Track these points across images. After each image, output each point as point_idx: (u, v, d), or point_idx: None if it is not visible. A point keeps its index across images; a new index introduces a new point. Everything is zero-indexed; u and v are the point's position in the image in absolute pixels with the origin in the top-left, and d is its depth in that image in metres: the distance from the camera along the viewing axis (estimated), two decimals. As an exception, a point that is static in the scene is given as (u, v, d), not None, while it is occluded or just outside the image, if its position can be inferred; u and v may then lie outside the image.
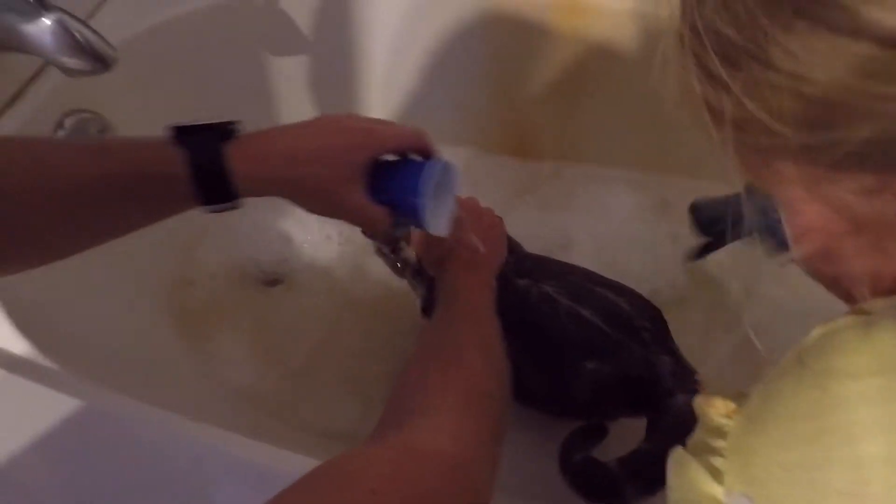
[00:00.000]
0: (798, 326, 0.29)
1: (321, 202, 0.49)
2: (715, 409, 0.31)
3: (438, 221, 0.51)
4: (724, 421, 0.30)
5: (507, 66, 0.89)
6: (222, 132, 0.47)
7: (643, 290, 0.66)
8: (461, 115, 0.95)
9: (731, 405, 0.30)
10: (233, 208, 0.47)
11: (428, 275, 0.65)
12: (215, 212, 0.46)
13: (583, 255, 0.84)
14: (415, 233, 0.64)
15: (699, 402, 0.32)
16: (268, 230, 0.88)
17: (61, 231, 0.43)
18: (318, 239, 0.88)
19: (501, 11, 0.84)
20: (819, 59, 0.24)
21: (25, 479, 0.47)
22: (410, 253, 0.66)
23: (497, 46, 0.87)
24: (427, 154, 0.52)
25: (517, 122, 0.94)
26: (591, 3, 0.81)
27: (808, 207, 0.29)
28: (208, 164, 0.44)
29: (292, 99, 0.93)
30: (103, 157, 0.43)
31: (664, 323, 0.63)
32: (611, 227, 0.87)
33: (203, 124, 0.47)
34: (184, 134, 0.46)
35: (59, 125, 0.71)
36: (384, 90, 0.94)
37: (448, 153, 0.93)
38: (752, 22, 0.26)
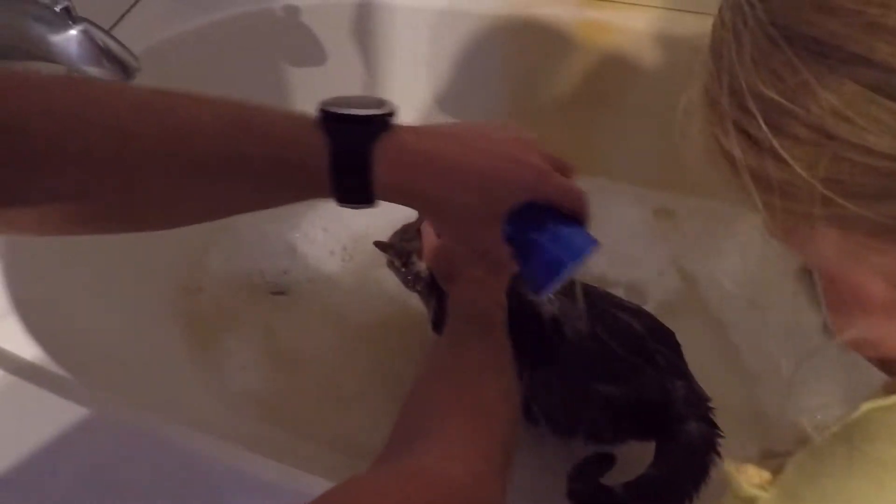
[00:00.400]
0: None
1: (459, 230, 0.46)
2: (747, 478, 0.29)
3: (553, 286, 0.47)
4: (756, 492, 0.29)
5: (525, 80, 0.89)
6: (376, 124, 0.43)
7: (648, 306, 0.66)
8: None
9: (766, 475, 0.29)
10: (367, 207, 0.44)
11: (439, 288, 0.65)
12: (348, 207, 0.44)
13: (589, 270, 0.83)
14: (426, 246, 0.64)
15: (729, 468, 0.30)
16: (274, 241, 0.88)
17: (188, 201, 0.41)
18: (321, 253, 0.88)
19: (522, 25, 0.84)
20: (876, 126, 0.23)
21: (32, 484, 0.47)
22: (422, 266, 0.66)
23: (516, 60, 0.87)
24: (581, 219, 0.48)
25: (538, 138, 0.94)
26: (615, 21, 0.81)
27: (852, 278, 0.27)
28: (352, 164, 0.41)
29: (302, 107, 0.93)
30: (243, 134, 0.40)
31: (678, 346, 0.63)
32: (617, 241, 0.87)
33: (355, 112, 0.43)
34: (333, 121, 0.42)
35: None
36: (403, 102, 0.94)
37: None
38: (795, 79, 0.25)
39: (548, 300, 0.63)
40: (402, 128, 0.44)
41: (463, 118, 0.94)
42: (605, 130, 0.89)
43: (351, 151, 0.41)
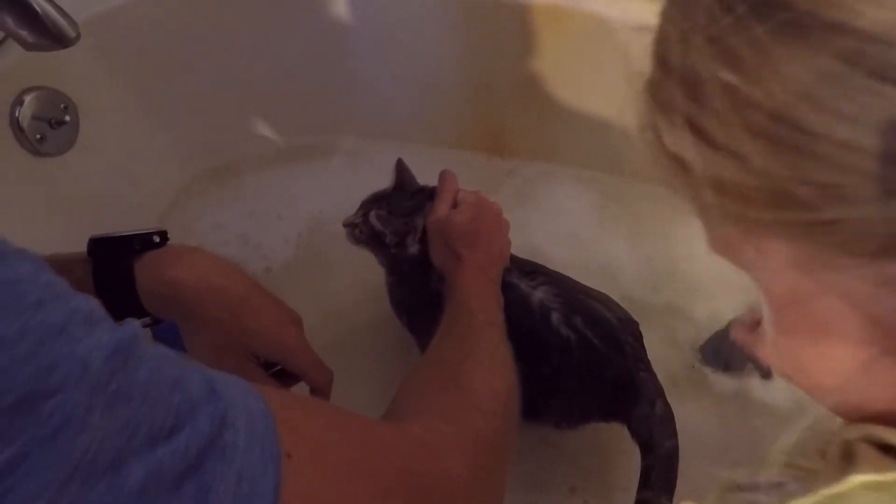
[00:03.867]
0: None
1: (210, 344, 0.49)
2: None
3: None
4: None
5: (482, 63, 0.88)
6: (138, 241, 0.49)
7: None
8: (437, 113, 0.94)
9: None
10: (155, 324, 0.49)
11: (423, 269, 0.65)
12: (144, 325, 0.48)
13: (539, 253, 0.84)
14: (434, 223, 0.64)
15: None
16: (227, 230, 0.86)
17: None
18: (275, 242, 0.86)
19: (480, 8, 0.83)
20: (849, 109, 0.20)
21: None
22: (415, 247, 0.66)
23: (474, 42, 0.86)
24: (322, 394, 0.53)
25: (491, 121, 0.94)
26: (573, 6, 0.80)
27: (802, 296, 0.24)
28: (113, 280, 0.46)
29: (260, 88, 0.91)
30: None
31: (641, 336, 0.64)
32: (569, 225, 0.88)
33: (120, 236, 0.49)
34: (98, 246, 0.47)
35: (19, 102, 0.68)
36: (358, 83, 0.93)
37: (423, 152, 0.93)
38: (757, 57, 0.21)
39: (532, 287, 0.64)
40: (175, 245, 0.51)
41: (421, 100, 0.93)
42: (559, 115, 0.89)
43: (113, 269, 0.46)
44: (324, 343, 0.78)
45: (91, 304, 0.25)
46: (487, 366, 0.49)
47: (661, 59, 0.25)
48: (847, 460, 0.24)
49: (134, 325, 0.26)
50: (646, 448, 0.59)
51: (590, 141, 0.88)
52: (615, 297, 0.67)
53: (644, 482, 0.57)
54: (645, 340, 0.64)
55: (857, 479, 0.22)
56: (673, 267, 0.82)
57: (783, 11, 0.20)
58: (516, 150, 0.95)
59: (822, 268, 0.22)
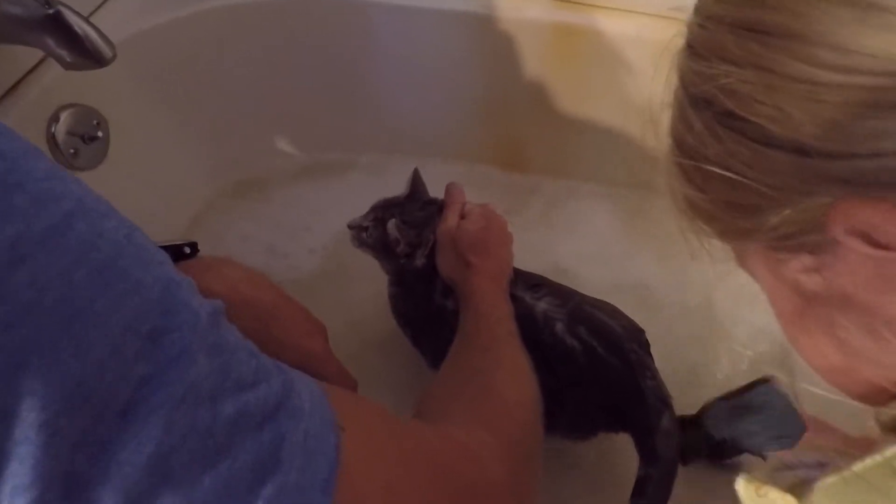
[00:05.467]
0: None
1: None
2: (769, 502, 0.30)
3: None
4: None
5: (500, 80, 0.90)
6: (172, 254, 0.50)
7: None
8: (456, 129, 0.96)
9: (791, 499, 0.29)
10: None
11: (428, 278, 0.66)
12: None
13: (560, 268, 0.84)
14: (444, 233, 0.65)
15: (746, 488, 0.31)
16: (254, 241, 0.88)
17: None
18: (301, 252, 0.88)
19: (497, 25, 0.85)
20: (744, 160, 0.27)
21: None
22: (422, 260, 0.67)
23: (491, 59, 0.88)
24: None
25: (510, 137, 0.95)
26: (588, 24, 0.82)
27: (776, 289, 0.31)
28: None
29: (283, 105, 0.93)
30: None
31: (648, 345, 0.64)
32: (589, 240, 0.88)
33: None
34: None
35: (55, 119, 0.71)
36: (378, 99, 0.95)
37: (442, 167, 0.94)
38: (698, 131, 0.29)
39: (535, 298, 0.64)
40: (205, 256, 0.52)
41: (440, 117, 0.95)
42: (578, 131, 0.90)
43: None
44: (347, 352, 0.80)
45: (190, 278, 0.29)
46: (515, 376, 0.50)
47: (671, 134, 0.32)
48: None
49: (220, 301, 0.30)
50: (647, 458, 0.58)
51: (609, 156, 0.89)
52: (646, 315, 0.67)
53: (639, 491, 0.57)
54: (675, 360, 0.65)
55: None
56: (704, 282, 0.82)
57: (710, 108, 0.28)
58: (536, 165, 0.96)
59: (776, 264, 0.29)
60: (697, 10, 0.29)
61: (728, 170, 0.27)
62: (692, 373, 0.74)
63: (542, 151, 0.95)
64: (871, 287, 0.26)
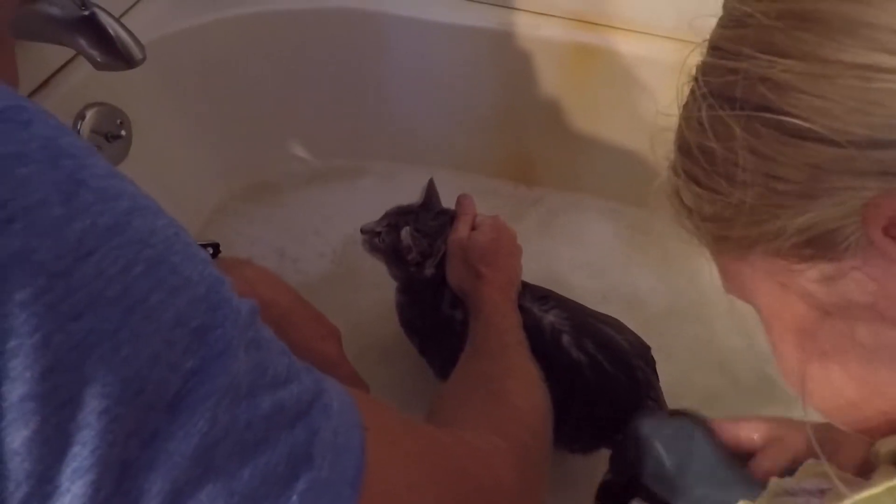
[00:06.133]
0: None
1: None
2: None
3: None
4: None
5: (514, 96, 0.91)
6: None
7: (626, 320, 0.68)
8: (467, 142, 0.98)
9: None
10: None
11: (437, 287, 0.67)
12: None
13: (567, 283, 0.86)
14: (455, 244, 0.66)
15: None
16: (264, 244, 0.90)
17: None
18: (311, 256, 0.89)
19: (514, 42, 0.86)
20: (782, 159, 0.26)
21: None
22: (431, 270, 0.68)
23: (506, 75, 0.90)
24: None
25: (521, 152, 0.97)
26: (603, 45, 0.83)
27: (782, 304, 0.29)
28: None
29: (298, 111, 0.95)
30: None
31: (653, 362, 0.65)
32: (595, 255, 0.90)
33: None
34: None
35: (81, 116, 0.73)
36: (391, 109, 0.97)
37: (451, 178, 0.96)
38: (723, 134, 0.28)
39: (543, 310, 0.65)
40: (227, 258, 0.52)
41: (451, 128, 0.97)
42: (586, 147, 0.92)
43: None
44: (352, 355, 0.81)
45: (230, 278, 0.30)
46: (525, 384, 0.51)
47: (680, 146, 0.31)
48: None
49: (255, 300, 0.31)
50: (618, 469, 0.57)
51: (616, 173, 0.90)
52: (638, 327, 0.67)
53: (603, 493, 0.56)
54: (668, 374, 0.64)
55: (888, 483, 0.25)
56: (701, 299, 0.83)
57: (742, 105, 0.27)
58: (543, 179, 0.98)
59: (787, 275, 0.28)
60: (728, 12, 0.29)
61: (752, 168, 0.26)
62: (681, 385, 0.75)
63: (551, 167, 0.97)
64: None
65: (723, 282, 0.33)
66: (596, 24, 0.84)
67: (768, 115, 0.26)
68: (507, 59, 0.88)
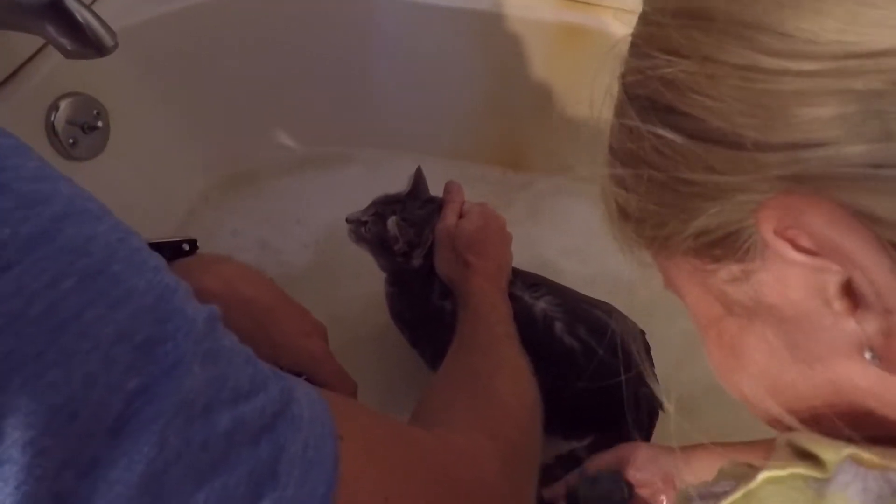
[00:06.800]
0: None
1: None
2: None
3: None
4: None
5: (502, 77, 0.90)
6: (170, 252, 0.49)
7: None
8: (456, 128, 0.96)
9: None
10: None
11: (426, 279, 0.66)
12: None
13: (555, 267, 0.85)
14: (442, 232, 0.65)
15: None
16: (246, 236, 0.88)
17: None
18: (295, 247, 0.88)
19: (502, 23, 0.85)
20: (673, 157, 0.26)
21: None
22: (419, 260, 0.67)
23: (494, 56, 0.88)
24: None
25: (508, 136, 0.95)
26: (591, 25, 0.82)
27: (704, 306, 0.30)
28: None
29: (280, 97, 0.93)
30: None
31: (648, 348, 0.64)
32: (582, 239, 0.89)
33: (150, 243, 0.51)
34: None
35: (55, 107, 0.71)
36: (379, 92, 0.95)
37: (439, 165, 0.94)
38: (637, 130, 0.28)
39: (535, 298, 0.64)
40: (204, 254, 0.50)
41: (438, 114, 0.95)
42: (575, 131, 0.89)
43: None
44: (337, 348, 0.80)
45: (186, 283, 0.28)
46: (515, 379, 0.50)
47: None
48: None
49: (215, 306, 0.29)
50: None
51: (604, 155, 0.89)
52: (629, 313, 0.66)
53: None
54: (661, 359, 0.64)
55: (763, 475, 0.26)
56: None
57: (649, 104, 0.27)
58: (532, 165, 0.97)
59: (703, 275, 0.28)
60: (644, 5, 0.29)
61: (665, 170, 0.26)
62: (672, 370, 0.74)
63: (540, 151, 0.95)
64: (797, 299, 0.25)
65: (663, 278, 0.33)
66: (589, 3, 0.82)
67: (670, 116, 0.26)
68: (496, 41, 0.86)
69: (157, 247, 0.51)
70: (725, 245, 0.26)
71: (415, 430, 0.39)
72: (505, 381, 0.49)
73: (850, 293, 0.23)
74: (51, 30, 0.56)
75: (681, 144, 0.25)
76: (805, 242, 0.23)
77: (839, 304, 0.23)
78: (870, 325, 0.23)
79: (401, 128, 0.97)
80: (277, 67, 0.90)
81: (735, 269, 0.26)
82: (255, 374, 0.29)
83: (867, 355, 0.23)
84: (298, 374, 0.53)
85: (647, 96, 0.27)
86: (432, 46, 0.88)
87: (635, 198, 0.29)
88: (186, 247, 0.52)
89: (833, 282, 0.23)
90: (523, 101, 0.91)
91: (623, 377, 0.59)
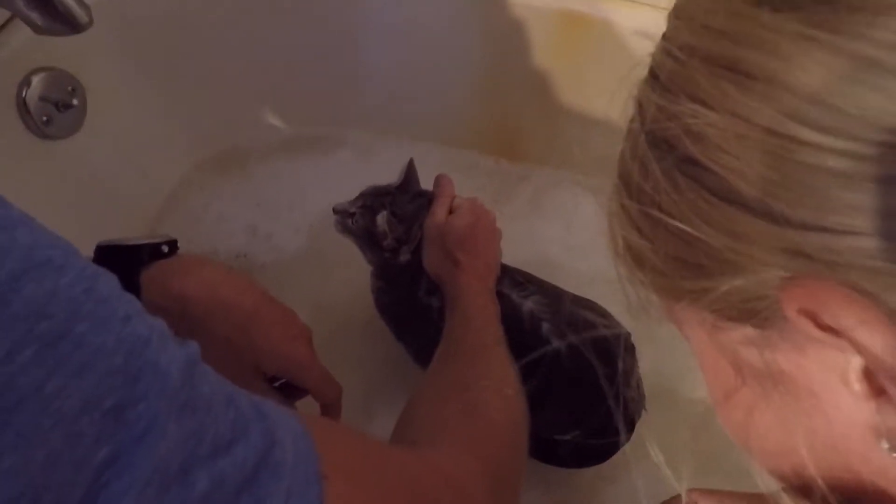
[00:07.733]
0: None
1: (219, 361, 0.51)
2: None
3: None
4: None
5: (501, 62, 0.87)
6: (146, 252, 0.48)
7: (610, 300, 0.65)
8: (450, 113, 0.93)
9: None
10: None
11: (413, 275, 0.64)
12: None
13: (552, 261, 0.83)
14: (432, 229, 0.63)
15: None
16: (234, 221, 0.85)
17: None
18: (287, 232, 0.85)
19: (502, 7, 0.82)
20: (696, 214, 0.24)
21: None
22: (407, 256, 0.65)
23: (494, 41, 0.85)
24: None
25: (504, 123, 0.93)
26: (593, 13, 0.79)
27: (711, 357, 0.28)
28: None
29: (267, 76, 0.89)
30: None
31: (633, 349, 0.63)
32: (579, 232, 0.87)
33: (124, 243, 0.47)
34: (104, 254, 0.47)
35: (26, 83, 0.67)
36: (376, 74, 0.92)
37: (432, 151, 0.91)
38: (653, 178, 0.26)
39: (522, 297, 0.62)
40: (184, 256, 0.49)
41: (432, 99, 0.92)
42: (572, 120, 0.88)
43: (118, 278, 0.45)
44: (325, 336, 0.78)
45: (161, 322, 0.26)
46: (502, 393, 0.49)
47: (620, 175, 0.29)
48: None
49: (194, 343, 0.27)
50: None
51: (603, 148, 0.87)
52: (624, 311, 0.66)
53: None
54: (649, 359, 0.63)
55: None
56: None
57: (670, 150, 0.25)
58: (528, 154, 0.94)
59: (715, 330, 0.27)
60: (667, 36, 0.26)
61: (681, 222, 0.24)
62: (662, 369, 0.74)
63: (537, 140, 0.93)
64: (813, 371, 0.24)
65: (665, 311, 0.31)
66: (589, -11, 0.80)
67: (694, 168, 0.24)
68: (493, 25, 0.83)
69: (134, 249, 0.48)
70: (743, 309, 0.24)
71: (401, 453, 0.38)
72: (492, 395, 0.48)
73: (871, 378, 0.22)
74: (19, 3, 0.53)
75: (703, 201, 0.23)
76: (828, 321, 0.21)
77: (859, 387, 0.22)
78: (890, 419, 0.22)
79: (393, 111, 0.94)
80: (264, 43, 0.87)
81: (751, 332, 0.25)
82: (236, 419, 0.27)
83: (884, 445, 0.22)
84: (283, 380, 0.52)
85: (665, 140, 0.24)
86: (428, 27, 0.85)
87: (649, 246, 0.27)
88: (166, 248, 0.50)
89: (855, 363, 0.22)
90: (520, 88, 0.88)
91: (606, 381, 0.59)
